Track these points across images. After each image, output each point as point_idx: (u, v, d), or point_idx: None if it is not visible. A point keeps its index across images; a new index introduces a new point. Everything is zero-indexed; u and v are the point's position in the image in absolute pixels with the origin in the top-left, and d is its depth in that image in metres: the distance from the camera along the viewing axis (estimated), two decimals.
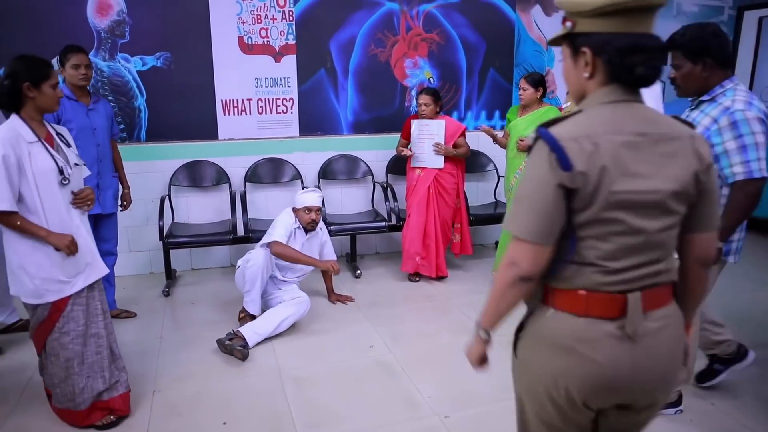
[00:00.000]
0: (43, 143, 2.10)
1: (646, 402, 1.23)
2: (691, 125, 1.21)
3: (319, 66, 4.31)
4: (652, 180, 1.12)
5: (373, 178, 4.51)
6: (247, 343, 2.91)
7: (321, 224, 3.44)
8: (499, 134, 3.98)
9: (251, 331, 2.96)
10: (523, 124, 3.65)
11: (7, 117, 2.12)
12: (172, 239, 3.74)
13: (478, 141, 4.59)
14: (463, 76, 4.67)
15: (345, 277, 4.07)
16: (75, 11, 3.74)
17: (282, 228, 3.19)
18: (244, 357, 2.83)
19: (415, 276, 4.02)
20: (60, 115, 2.91)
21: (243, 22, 4.07)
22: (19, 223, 2.04)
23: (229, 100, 4.16)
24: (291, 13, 4.17)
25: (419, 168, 3.93)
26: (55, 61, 3.01)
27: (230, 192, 4.14)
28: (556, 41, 1.24)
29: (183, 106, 4.07)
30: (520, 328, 1.29)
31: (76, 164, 2.22)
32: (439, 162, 3.88)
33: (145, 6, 3.87)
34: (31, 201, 2.06)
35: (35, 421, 2.34)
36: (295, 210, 3.31)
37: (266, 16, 4.11)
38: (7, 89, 2.06)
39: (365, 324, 3.31)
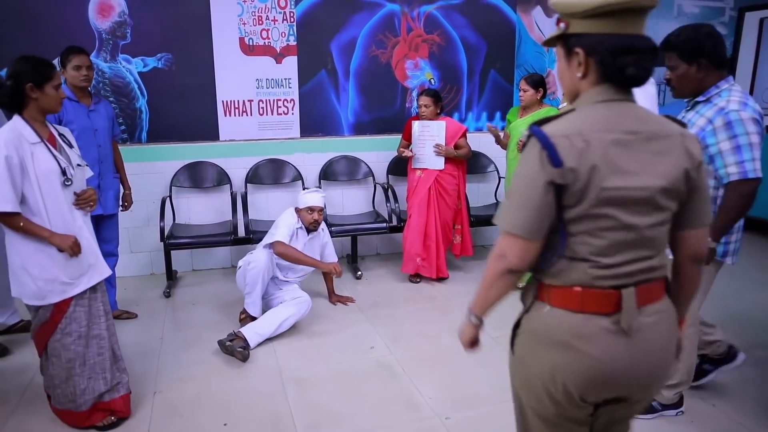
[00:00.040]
0: (45, 144, 2.10)
1: (641, 394, 1.27)
2: (682, 124, 1.24)
3: (320, 67, 4.31)
4: (642, 177, 1.15)
5: (373, 179, 4.52)
6: (248, 343, 2.91)
7: (323, 225, 3.44)
8: (501, 135, 3.99)
9: (252, 332, 2.96)
10: (524, 126, 3.65)
11: (9, 118, 2.12)
12: (173, 240, 3.74)
13: (479, 142, 4.60)
14: (463, 78, 4.67)
15: (346, 278, 4.07)
16: (76, 12, 3.75)
17: (285, 228, 3.19)
18: (244, 358, 2.83)
19: (415, 277, 4.02)
20: (61, 116, 2.92)
21: (244, 23, 4.08)
22: (22, 224, 2.04)
23: (230, 101, 4.17)
24: (292, 14, 4.17)
25: (420, 169, 3.94)
26: (56, 62, 3.01)
27: (231, 193, 4.14)
28: (550, 42, 1.27)
29: (184, 107, 4.07)
30: (517, 325, 1.32)
31: (78, 165, 2.22)
32: (439, 163, 3.88)
33: (146, 7, 3.87)
34: (33, 202, 2.06)
35: (36, 422, 2.34)
36: (297, 210, 3.31)
37: (267, 17, 4.12)
38: (9, 90, 2.06)
39: (366, 325, 3.31)
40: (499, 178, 4.67)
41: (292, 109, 4.32)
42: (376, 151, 4.52)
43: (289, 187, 4.33)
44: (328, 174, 4.43)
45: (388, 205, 4.26)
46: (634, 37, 1.15)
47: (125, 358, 2.44)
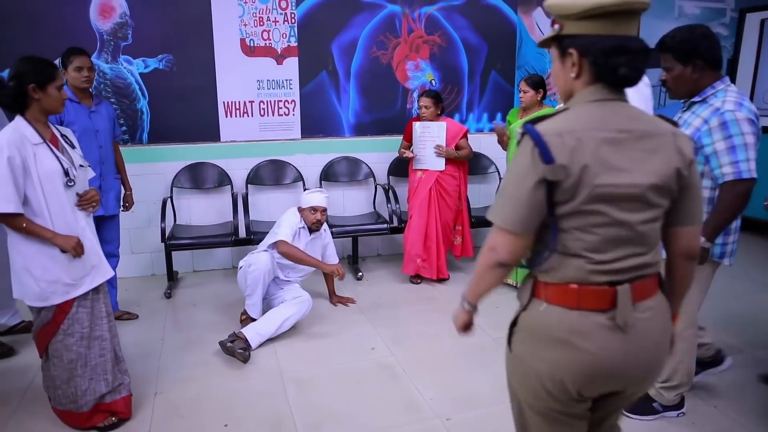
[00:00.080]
0: (48, 145, 2.10)
1: (635, 388, 1.30)
2: (674, 123, 1.26)
3: (320, 68, 4.32)
4: (633, 174, 1.17)
5: (374, 180, 4.52)
6: (249, 344, 2.91)
7: (325, 225, 3.44)
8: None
9: (253, 332, 2.96)
10: None
11: (11, 119, 2.12)
12: (173, 241, 3.74)
13: (480, 143, 4.60)
14: (464, 79, 4.68)
15: (346, 278, 4.07)
16: (77, 13, 3.75)
17: (287, 227, 3.19)
18: (245, 359, 2.83)
19: (416, 278, 4.03)
20: (62, 117, 2.92)
21: (245, 25, 4.08)
22: (24, 225, 2.04)
23: (231, 102, 4.17)
24: (293, 15, 4.18)
25: (421, 170, 3.94)
26: (57, 63, 3.01)
27: (232, 194, 4.14)
28: (545, 43, 1.30)
29: (185, 108, 4.08)
30: (514, 323, 1.33)
31: (80, 166, 2.22)
32: (440, 164, 3.88)
33: (147, 8, 3.88)
34: (36, 203, 2.06)
35: (37, 423, 2.34)
36: (300, 210, 3.31)
37: (268, 19, 4.13)
38: (12, 91, 2.06)
39: (366, 326, 3.32)
40: (500, 179, 4.68)
41: (293, 110, 4.32)
42: (376, 152, 4.52)
43: (290, 188, 4.34)
44: (328, 175, 4.44)
45: (388, 206, 4.26)
46: (626, 38, 1.18)
47: (126, 358, 2.44)
